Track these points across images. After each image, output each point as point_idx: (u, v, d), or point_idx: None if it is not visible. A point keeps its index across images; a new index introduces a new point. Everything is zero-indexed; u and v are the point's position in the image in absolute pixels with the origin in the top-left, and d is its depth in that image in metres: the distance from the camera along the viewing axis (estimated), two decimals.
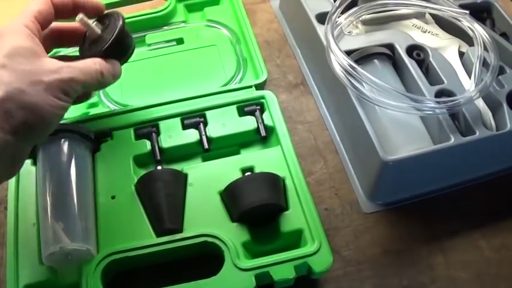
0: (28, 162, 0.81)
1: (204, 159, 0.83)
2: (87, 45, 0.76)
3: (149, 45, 0.99)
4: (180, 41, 1.00)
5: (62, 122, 0.81)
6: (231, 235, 0.73)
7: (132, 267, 0.75)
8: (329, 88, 0.92)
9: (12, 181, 0.80)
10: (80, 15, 0.73)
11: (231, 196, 0.76)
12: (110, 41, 0.73)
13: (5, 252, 0.74)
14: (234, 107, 0.86)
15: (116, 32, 0.74)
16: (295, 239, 0.74)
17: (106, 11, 0.78)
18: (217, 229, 0.73)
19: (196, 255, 0.75)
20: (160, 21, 1.02)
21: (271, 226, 0.75)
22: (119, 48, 0.75)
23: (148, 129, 0.84)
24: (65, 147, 0.78)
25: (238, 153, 0.84)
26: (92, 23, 0.75)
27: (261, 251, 0.74)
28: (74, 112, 0.90)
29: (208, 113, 0.85)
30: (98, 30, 0.75)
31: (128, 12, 1.02)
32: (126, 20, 0.94)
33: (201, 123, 0.84)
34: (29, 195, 0.79)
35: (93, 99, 0.90)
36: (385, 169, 0.76)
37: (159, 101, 0.88)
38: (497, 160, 0.85)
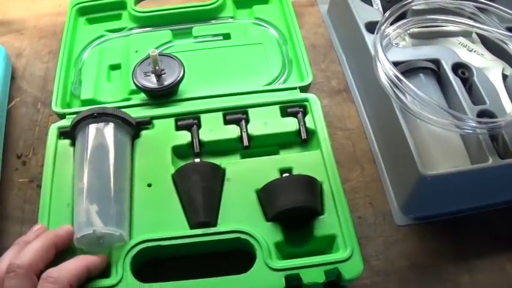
0: (66, 142, 0.83)
1: (243, 156, 0.84)
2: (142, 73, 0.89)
3: (196, 37, 1.00)
4: (226, 36, 1.01)
5: (104, 106, 0.83)
6: (264, 234, 0.73)
7: (163, 256, 0.75)
8: (372, 97, 0.93)
9: (48, 160, 0.81)
10: (156, 51, 0.85)
11: (267, 195, 0.76)
12: (171, 85, 0.87)
13: None
14: (277, 107, 0.87)
15: (179, 78, 0.88)
16: (328, 244, 0.74)
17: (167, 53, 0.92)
18: (251, 226, 0.74)
19: (228, 250, 0.75)
20: (208, 14, 1.03)
21: (305, 229, 0.75)
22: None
23: (190, 121, 0.85)
24: (106, 130, 0.79)
25: (277, 153, 0.84)
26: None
27: (293, 253, 0.74)
28: (116, 97, 0.91)
29: (250, 111, 0.86)
30: (163, 70, 0.88)
31: (177, 3, 1.04)
32: (175, 10, 1.00)
33: (243, 120, 0.85)
34: (65, 176, 0.79)
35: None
36: (422, 183, 0.76)
37: (202, 94, 0.89)
38: None
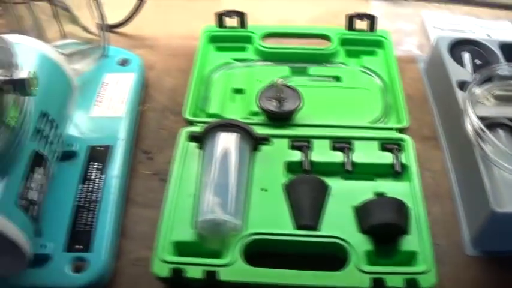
0: (193, 145, 0.96)
1: (345, 179, 0.95)
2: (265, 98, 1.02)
3: (311, 75, 1.13)
4: (337, 79, 1.13)
5: (233, 118, 0.97)
6: (357, 242, 0.83)
7: (268, 250, 0.85)
8: (456, 145, 1.03)
9: (178, 157, 0.95)
10: (280, 80, 0.99)
11: (364, 211, 0.86)
12: (290, 111, 1.00)
13: (161, 214, 0.87)
14: (377, 142, 0.98)
15: (297, 107, 1.00)
16: (410, 258, 0.83)
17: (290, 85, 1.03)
18: (347, 235, 0.84)
19: (323, 253, 0.85)
20: (323, 58, 1.16)
21: (392, 244, 0.84)
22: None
23: (302, 143, 0.98)
24: (232, 139, 0.93)
25: (374, 180, 0.95)
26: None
27: (379, 262, 0.83)
28: (237, 115, 1.04)
29: (355, 142, 0.98)
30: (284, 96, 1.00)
31: (297, 44, 1.19)
32: (295, 50, 1.14)
33: (347, 149, 0.97)
34: (191, 172, 0.93)
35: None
36: (492, 219, 0.85)
37: (315, 122, 1.02)
38: None
